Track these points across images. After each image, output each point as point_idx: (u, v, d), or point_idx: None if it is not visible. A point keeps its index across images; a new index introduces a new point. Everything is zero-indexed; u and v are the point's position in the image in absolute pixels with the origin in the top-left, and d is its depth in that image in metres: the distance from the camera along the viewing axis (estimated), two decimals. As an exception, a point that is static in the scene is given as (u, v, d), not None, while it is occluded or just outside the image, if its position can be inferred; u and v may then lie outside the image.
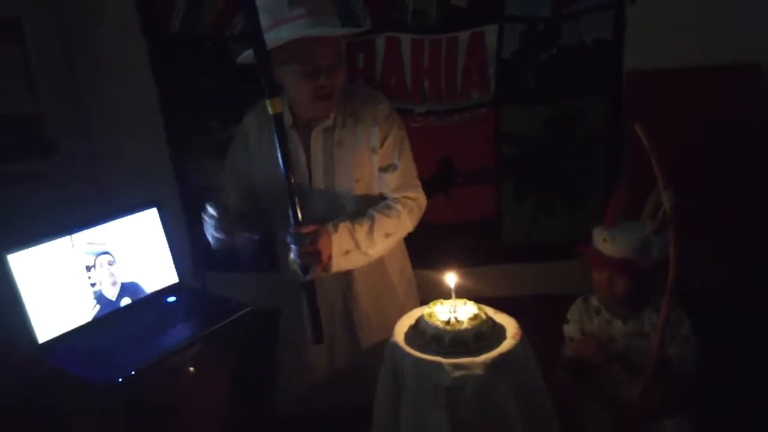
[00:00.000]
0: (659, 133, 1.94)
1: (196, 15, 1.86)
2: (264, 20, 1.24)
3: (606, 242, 1.32)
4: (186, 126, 2.01)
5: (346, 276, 1.47)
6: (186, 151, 2.03)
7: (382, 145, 1.42)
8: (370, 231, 1.37)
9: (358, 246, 1.37)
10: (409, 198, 1.45)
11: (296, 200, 1.29)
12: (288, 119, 1.39)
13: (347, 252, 1.36)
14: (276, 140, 1.25)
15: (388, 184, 1.44)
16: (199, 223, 2.05)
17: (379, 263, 1.49)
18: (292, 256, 1.31)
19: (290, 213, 1.29)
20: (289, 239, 1.29)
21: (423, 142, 1.94)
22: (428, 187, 1.62)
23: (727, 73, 1.97)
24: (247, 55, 1.35)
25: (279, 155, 1.26)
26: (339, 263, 1.35)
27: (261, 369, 1.68)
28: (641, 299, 1.34)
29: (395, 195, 1.45)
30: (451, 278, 1.33)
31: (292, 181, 1.27)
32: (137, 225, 1.51)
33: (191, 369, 1.38)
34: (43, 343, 1.32)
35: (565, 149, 2.04)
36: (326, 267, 1.34)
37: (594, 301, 1.41)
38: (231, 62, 1.90)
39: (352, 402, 1.47)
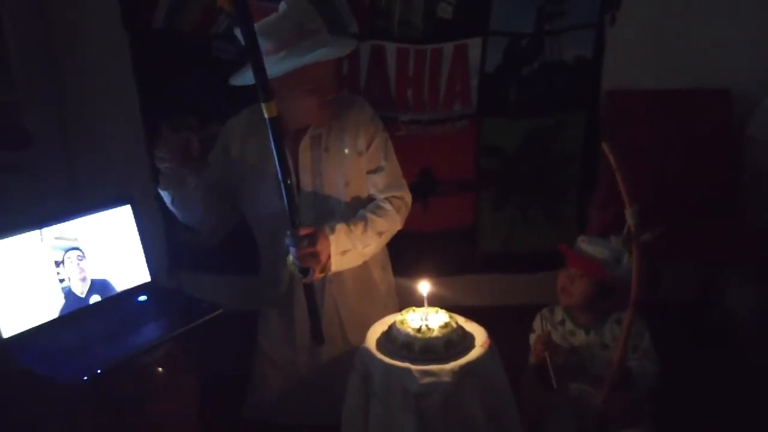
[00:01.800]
0: (634, 150, 2.01)
1: (180, 11, 1.84)
2: (267, 45, 1.29)
3: (583, 242, 1.38)
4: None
5: (336, 275, 1.48)
6: (164, 148, 2.01)
7: (368, 147, 1.47)
8: (365, 230, 1.41)
9: (354, 245, 1.40)
10: (396, 197, 1.50)
11: (294, 203, 1.31)
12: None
13: (345, 252, 1.38)
14: (272, 143, 1.26)
15: (376, 184, 1.49)
16: (176, 222, 2.05)
17: (363, 262, 1.52)
18: (291, 258, 1.33)
19: (289, 215, 1.31)
20: (287, 241, 1.32)
21: (405, 150, 1.94)
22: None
23: (699, 97, 2.03)
24: (239, 78, 1.40)
25: (276, 158, 1.27)
26: (338, 263, 1.38)
27: (233, 372, 1.68)
28: (597, 309, 1.37)
29: (384, 195, 1.49)
30: (424, 286, 1.35)
31: (289, 183, 1.28)
32: (110, 221, 1.49)
33: (160, 369, 1.36)
34: (7, 339, 1.29)
35: (544, 163, 2.07)
36: (325, 268, 1.36)
37: (558, 312, 1.45)
38: (213, 60, 1.90)
39: (326, 417, 1.47)
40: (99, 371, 1.20)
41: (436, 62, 1.91)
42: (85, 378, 1.19)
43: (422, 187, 2.02)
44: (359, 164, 1.48)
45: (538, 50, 1.94)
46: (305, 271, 1.35)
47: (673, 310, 1.99)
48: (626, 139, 2.03)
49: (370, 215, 1.45)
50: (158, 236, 2.04)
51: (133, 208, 1.52)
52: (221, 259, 2.08)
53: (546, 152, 2.06)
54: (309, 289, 1.40)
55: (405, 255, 1.74)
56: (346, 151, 1.46)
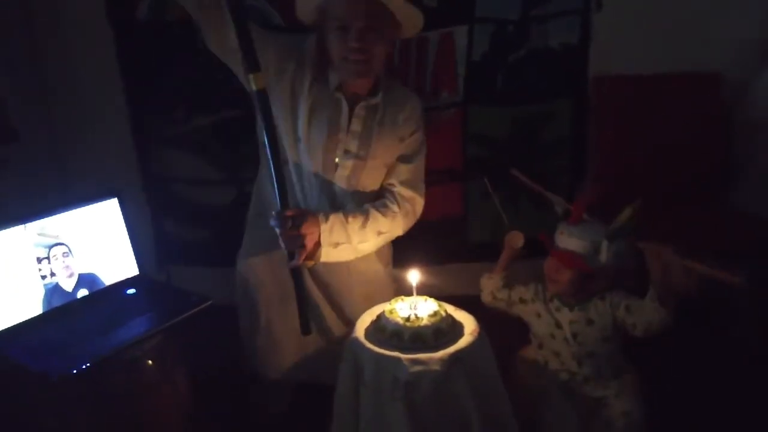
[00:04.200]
0: (623, 136, 2.00)
1: (164, 1, 1.82)
2: None
3: (562, 234, 1.39)
4: (151, 115, 1.97)
5: (346, 270, 1.49)
6: (150, 141, 1.99)
7: (410, 135, 1.48)
8: (363, 225, 1.39)
9: (349, 239, 1.38)
10: (407, 198, 1.48)
11: (284, 183, 1.29)
12: (334, 81, 1.40)
13: (337, 244, 1.36)
14: (261, 116, 1.24)
15: (400, 174, 1.48)
16: (163, 215, 2.05)
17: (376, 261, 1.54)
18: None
19: (278, 195, 1.29)
20: (272, 222, 1.29)
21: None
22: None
23: (689, 81, 2.03)
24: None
25: (265, 133, 1.25)
26: (328, 254, 1.36)
27: (223, 364, 1.68)
28: (583, 294, 1.39)
29: (399, 188, 1.47)
30: (413, 275, 1.35)
31: (279, 162, 1.27)
32: (97, 215, 1.48)
33: (150, 362, 1.36)
34: (-5, 334, 1.29)
35: (532, 150, 2.07)
36: (312, 255, 1.34)
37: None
38: (199, 51, 1.88)
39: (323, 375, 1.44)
40: (88, 364, 1.21)
41: (422, 51, 1.89)
42: (74, 371, 1.20)
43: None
44: (400, 149, 1.47)
45: (524, 37, 1.92)
46: (291, 255, 1.32)
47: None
48: (615, 125, 2.04)
49: (373, 211, 1.42)
50: (146, 230, 2.03)
51: (120, 202, 1.52)
52: (210, 252, 2.08)
53: (534, 140, 2.05)
54: (296, 274, 1.35)
55: (394, 244, 1.74)
56: (396, 132, 1.45)
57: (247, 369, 1.57)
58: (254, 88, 1.22)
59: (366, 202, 1.47)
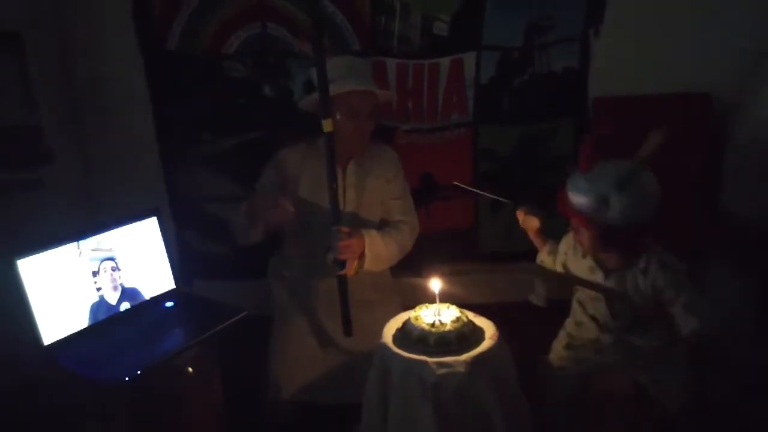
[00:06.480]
0: (621, 152, 2.11)
1: (193, 34, 1.94)
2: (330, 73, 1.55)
3: (571, 192, 1.31)
4: (178, 137, 2.08)
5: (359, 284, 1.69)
6: (177, 162, 2.10)
7: (394, 178, 1.78)
8: (391, 240, 1.69)
9: (388, 250, 1.67)
10: (407, 221, 1.76)
11: (338, 204, 1.55)
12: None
13: (378, 255, 1.64)
14: (326, 153, 1.52)
15: (395, 208, 1.79)
16: (188, 231, 2.14)
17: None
18: (330, 254, 1.58)
19: (332, 213, 1.55)
20: (332, 235, 1.56)
21: (407, 157, 2.06)
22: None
23: (681, 101, 2.15)
24: (306, 102, 1.68)
25: (326, 165, 1.53)
26: (370, 262, 1.63)
27: (251, 372, 1.76)
28: (610, 252, 1.30)
29: (398, 217, 1.77)
30: (435, 284, 1.44)
31: (335, 186, 1.54)
32: (138, 233, 1.58)
33: (190, 370, 1.44)
34: (48, 345, 1.37)
35: (537, 166, 2.19)
36: (359, 264, 1.61)
37: None
38: (224, 78, 2.00)
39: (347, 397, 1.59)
40: (139, 372, 1.30)
41: (433, 76, 2.02)
42: (127, 379, 1.28)
43: (424, 191, 2.14)
44: (389, 189, 1.77)
45: (528, 62, 2.06)
46: (342, 264, 1.57)
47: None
48: (613, 143, 2.16)
49: (394, 231, 1.73)
50: (170, 245, 2.11)
51: (158, 220, 1.62)
52: (231, 266, 2.17)
53: (539, 156, 2.17)
54: (342, 281, 1.60)
55: (412, 255, 1.84)
56: (382, 178, 1.76)
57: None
58: (324, 130, 1.50)
59: (381, 224, 1.76)
